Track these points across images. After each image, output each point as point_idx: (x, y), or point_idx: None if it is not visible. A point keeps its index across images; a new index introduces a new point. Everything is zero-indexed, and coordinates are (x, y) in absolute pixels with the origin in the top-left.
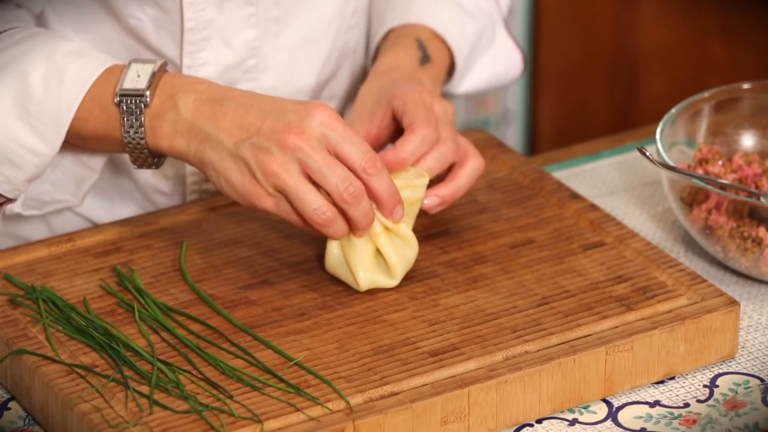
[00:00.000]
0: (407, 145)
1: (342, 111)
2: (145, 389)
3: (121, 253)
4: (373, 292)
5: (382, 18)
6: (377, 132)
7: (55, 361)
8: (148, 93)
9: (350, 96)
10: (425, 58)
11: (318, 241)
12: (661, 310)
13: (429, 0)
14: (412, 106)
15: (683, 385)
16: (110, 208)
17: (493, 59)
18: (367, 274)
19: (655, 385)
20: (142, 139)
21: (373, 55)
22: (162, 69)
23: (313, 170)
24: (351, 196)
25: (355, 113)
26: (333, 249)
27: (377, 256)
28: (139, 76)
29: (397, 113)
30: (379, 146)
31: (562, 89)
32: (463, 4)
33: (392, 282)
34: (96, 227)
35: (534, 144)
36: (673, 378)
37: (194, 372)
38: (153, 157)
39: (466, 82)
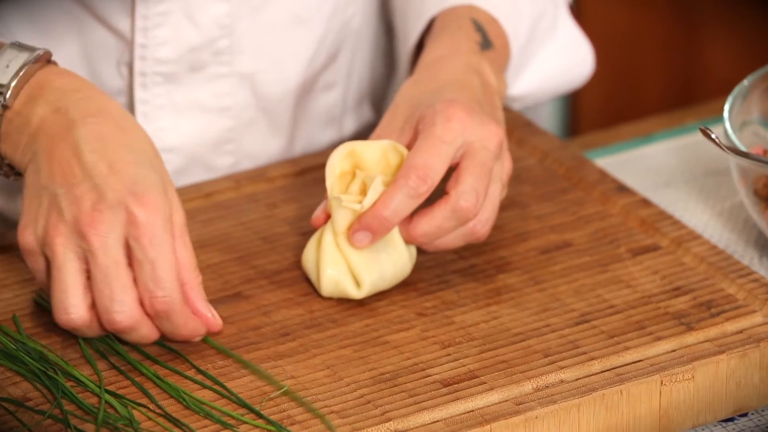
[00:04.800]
0: (429, 223)
1: (347, 98)
2: (90, 428)
3: None
4: (373, 307)
5: (419, 3)
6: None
7: None
8: (9, 92)
9: (357, 81)
10: (486, 43)
11: (303, 247)
12: (730, 330)
13: None
14: (426, 146)
15: (758, 423)
16: None
17: (555, 52)
18: (332, 273)
19: (723, 424)
20: None
21: (413, 49)
22: (43, 59)
23: (92, 274)
24: (118, 327)
25: (384, 124)
26: (309, 248)
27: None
28: (8, 66)
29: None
30: None
31: (608, 56)
32: None
33: (357, 293)
34: None
35: (572, 124)
36: (745, 415)
37: (151, 406)
38: (8, 167)
39: (522, 81)
